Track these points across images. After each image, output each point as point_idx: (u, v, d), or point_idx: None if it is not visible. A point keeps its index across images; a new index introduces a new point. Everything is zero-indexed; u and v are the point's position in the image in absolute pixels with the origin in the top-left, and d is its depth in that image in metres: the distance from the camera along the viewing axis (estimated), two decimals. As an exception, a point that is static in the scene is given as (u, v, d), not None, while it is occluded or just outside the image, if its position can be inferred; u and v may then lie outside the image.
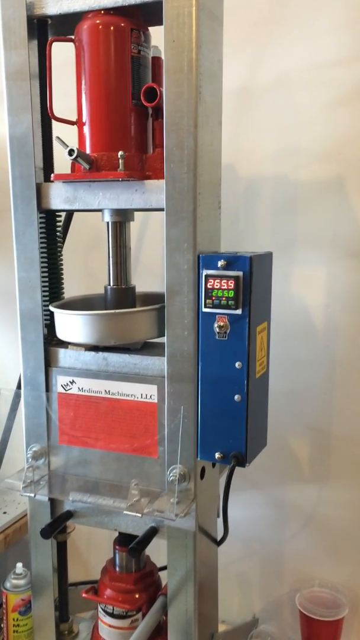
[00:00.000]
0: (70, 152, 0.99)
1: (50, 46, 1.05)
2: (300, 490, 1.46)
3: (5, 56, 1.07)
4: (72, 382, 1.14)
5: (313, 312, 1.40)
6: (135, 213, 1.18)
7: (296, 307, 1.40)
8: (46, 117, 1.11)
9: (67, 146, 0.99)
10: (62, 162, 1.11)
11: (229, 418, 1.01)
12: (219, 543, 1.18)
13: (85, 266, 1.60)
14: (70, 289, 1.24)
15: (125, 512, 1.01)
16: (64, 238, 1.36)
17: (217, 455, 1.03)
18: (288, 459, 1.46)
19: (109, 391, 1.11)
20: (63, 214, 1.33)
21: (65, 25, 1.08)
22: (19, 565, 1.41)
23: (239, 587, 1.56)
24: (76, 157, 0.99)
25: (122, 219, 1.12)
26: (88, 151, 1.06)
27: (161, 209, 1.01)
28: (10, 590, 1.39)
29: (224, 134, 1.39)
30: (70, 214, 1.36)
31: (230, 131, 1.39)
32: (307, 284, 1.39)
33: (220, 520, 1.12)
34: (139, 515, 1.00)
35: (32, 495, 1.10)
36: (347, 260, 1.35)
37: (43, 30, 1.09)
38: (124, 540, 1.22)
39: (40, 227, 1.14)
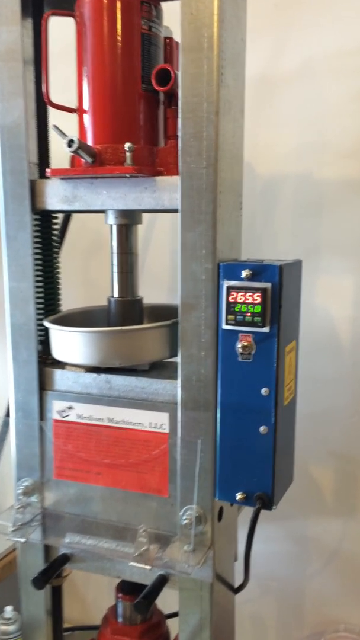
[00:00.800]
0: (70, 142, 0.84)
1: (47, 21, 0.91)
2: (323, 523, 1.32)
3: (-5, 34, 0.93)
4: (70, 408, 0.99)
5: (339, 326, 1.26)
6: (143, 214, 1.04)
7: (320, 320, 1.26)
8: (42, 105, 0.98)
9: (67, 136, 0.85)
10: (60, 157, 0.97)
11: (253, 453, 0.87)
12: (236, 590, 1.04)
13: (85, 275, 1.46)
14: (68, 300, 1.10)
15: (131, 563, 0.87)
16: (61, 243, 1.22)
17: (238, 495, 0.89)
18: (310, 489, 1.32)
19: (112, 419, 0.96)
20: (60, 216, 1.19)
21: (64, 1, 0.94)
22: (8, 609, 1.26)
23: (253, 630, 1.42)
24: (77, 148, 0.84)
25: (128, 221, 0.98)
26: (90, 143, 0.92)
27: (175, 210, 0.87)
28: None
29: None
30: (68, 215, 1.22)
31: (248, 125, 1.25)
32: (333, 294, 1.25)
33: (237, 563, 0.98)
34: (148, 568, 0.86)
35: (23, 540, 0.96)
36: (377, 268, 1.22)
37: (39, 6, 0.96)
38: (127, 587, 1.07)
39: (35, 231, 1.00)
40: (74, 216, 1.16)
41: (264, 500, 0.87)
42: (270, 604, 1.39)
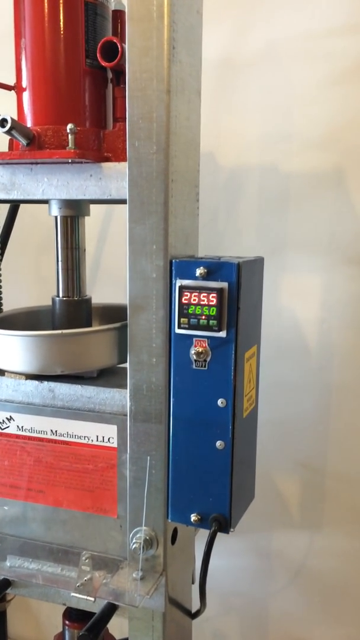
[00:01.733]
0: (3, 122, 0.75)
1: (-21, -14, 0.81)
2: (288, 537, 1.24)
3: None
4: (10, 419, 0.89)
5: (306, 328, 1.18)
6: (96, 205, 0.95)
7: (286, 322, 1.19)
8: (-21, 83, 0.87)
9: (-1, 115, 0.75)
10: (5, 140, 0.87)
11: (208, 470, 0.79)
12: (194, 616, 0.96)
13: (38, 272, 1.36)
14: (19, 299, 1.00)
15: (72, 594, 0.78)
16: (7, 237, 1.12)
17: (193, 517, 0.80)
18: (275, 501, 1.24)
19: (55, 431, 0.87)
20: (4, 207, 1.09)
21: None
22: None
23: (215, 649, 1.34)
24: (10, 128, 0.75)
25: (74, 212, 0.88)
26: (29, 124, 0.82)
27: (123, 201, 0.78)
28: None
29: (201, 114, 1.17)
30: (15, 206, 1.12)
31: (209, 112, 1.17)
32: (299, 294, 1.18)
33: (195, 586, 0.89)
34: (91, 599, 0.77)
35: None
36: (347, 267, 1.14)
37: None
38: (75, 613, 0.98)
39: (-28, 223, 0.90)
40: (25, 207, 1.06)
41: (221, 522, 0.79)
42: (233, 622, 1.32)
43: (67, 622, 0.99)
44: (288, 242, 1.16)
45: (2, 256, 1.11)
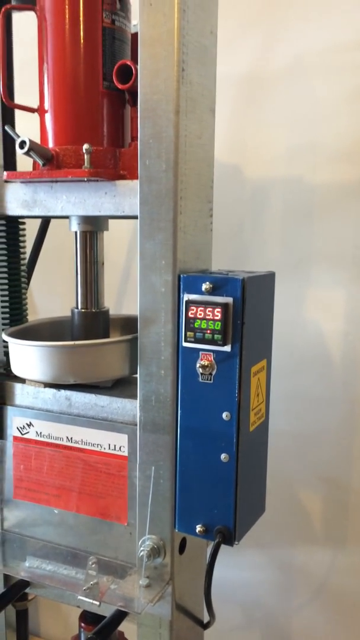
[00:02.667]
0: (22, 144, 0.79)
1: (5, 16, 0.85)
2: (310, 553, 1.23)
3: None
4: (30, 425, 0.93)
5: (330, 341, 1.17)
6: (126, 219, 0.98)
7: (310, 335, 1.18)
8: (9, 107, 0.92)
9: (19, 137, 0.80)
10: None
11: (213, 482, 0.80)
12: (205, 626, 0.96)
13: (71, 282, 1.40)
14: (53, 308, 1.04)
15: (79, 597, 0.80)
16: (37, 250, 1.17)
17: (198, 528, 0.82)
18: (297, 515, 1.23)
19: (71, 438, 0.90)
20: (36, 222, 1.14)
21: (32, -5, 0.89)
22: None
23: (237, 661, 1.34)
24: (28, 150, 0.79)
25: (92, 228, 0.92)
26: (51, 145, 0.86)
27: (135, 217, 0.80)
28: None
29: (227, 129, 1.19)
30: (46, 221, 1.17)
31: (236, 126, 1.19)
32: (324, 307, 1.17)
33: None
34: (96, 603, 0.79)
35: (-28, 564, 0.90)
36: (372, 280, 1.13)
37: (6, 2, 0.91)
38: (90, 616, 1.01)
39: (0, 237, 0.95)
40: (61, 222, 1.10)
41: (225, 534, 0.80)
42: (255, 635, 1.31)
43: (82, 624, 1.02)
44: (312, 255, 1.16)
45: (33, 269, 1.16)
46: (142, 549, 0.84)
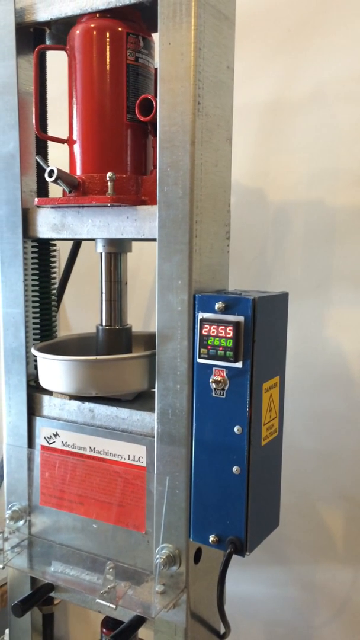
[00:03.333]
0: (50, 173, 0.85)
1: (38, 56, 0.93)
2: (333, 571, 1.24)
3: (-7, 69, 0.96)
4: (56, 435, 0.99)
5: (351, 360, 1.19)
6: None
7: (330, 354, 1.20)
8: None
9: (48, 166, 0.86)
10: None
11: (226, 494, 0.83)
12: (222, 637, 0.99)
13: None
14: (85, 324, 1.10)
15: (97, 600, 0.84)
16: (69, 270, 1.23)
17: (211, 538, 0.85)
18: (319, 533, 1.24)
19: (94, 448, 0.95)
20: (68, 244, 1.21)
21: (65, 33, 0.96)
22: (7, 631, 1.26)
23: None
24: (56, 178, 0.85)
25: (116, 250, 0.97)
26: (78, 173, 0.93)
27: (154, 239, 0.85)
28: (-4, 661, 1.24)
29: (251, 155, 1.23)
30: (77, 243, 1.23)
31: (260, 151, 1.24)
32: (345, 327, 1.19)
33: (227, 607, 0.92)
34: (113, 607, 0.83)
35: (0, 566, 0.95)
36: (393, 301, 1.14)
37: (41, 39, 0.98)
38: (112, 622, 1.04)
39: (32, 258, 1.02)
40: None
41: (236, 545, 0.83)
42: (277, 652, 1.32)
43: (104, 629, 1.06)
44: (333, 276, 1.18)
45: (64, 288, 1.22)
46: (158, 557, 0.87)
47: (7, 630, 1.27)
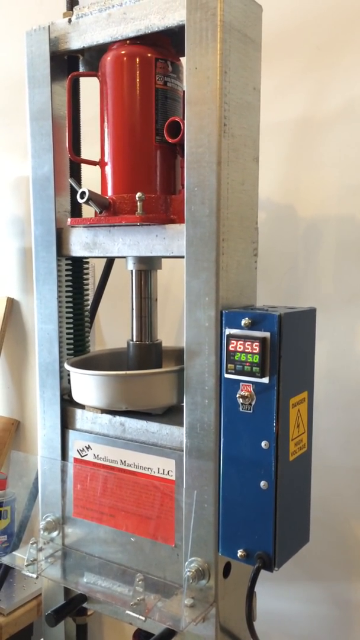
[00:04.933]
0: (82, 194, 0.89)
1: (71, 82, 0.97)
2: (367, 589, 1.22)
3: (29, 95, 1.00)
4: (88, 448, 1.01)
5: (384, 376, 1.18)
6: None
7: (363, 369, 1.19)
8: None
9: (80, 188, 0.90)
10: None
11: (254, 508, 0.84)
12: (252, 653, 0.98)
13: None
14: (118, 339, 1.12)
15: (127, 612, 0.86)
16: (103, 286, 1.27)
17: (239, 552, 0.85)
18: (354, 551, 1.23)
19: (124, 462, 0.97)
20: (100, 262, 1.25)
21: (97, 59, 1.00)
22: (42, 641, 1.28)
23: None
24: (87, 199, 0.89)
25: (146, 267, 1.00)
26: (110, 193, 0.96)
27: (182, 257, 0.87)
28: (31, 670, 1.27)
29: (282, 171, 1.25)
30: (110, 260, 1.27)
31: (290, 168, 1.25)
32: (377, 342, 1.18)
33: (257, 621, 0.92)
34: (142, 619, 0.84)
35: (34, 576, 0.98)
36: None
37: (74, 66, 1.03)
38: (144, 634, 1.06)
39: (66, 275, 1.05)
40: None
41: (265, 560, 0.83)
42: (312, 671, 1.30)
43: (135, 641, 1.07)
44: (365, 291, 1.18)
45: (98, 304, 1.26)
46: (187, 570, 0.88)
47: (42, 640, 1.29)
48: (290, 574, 1.28)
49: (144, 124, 0.92)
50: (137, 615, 0.85)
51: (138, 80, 0.91)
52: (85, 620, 1.14)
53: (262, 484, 0.82)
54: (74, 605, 1.04)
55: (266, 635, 0.89)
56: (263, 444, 0.82)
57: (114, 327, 1.53)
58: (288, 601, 1.30)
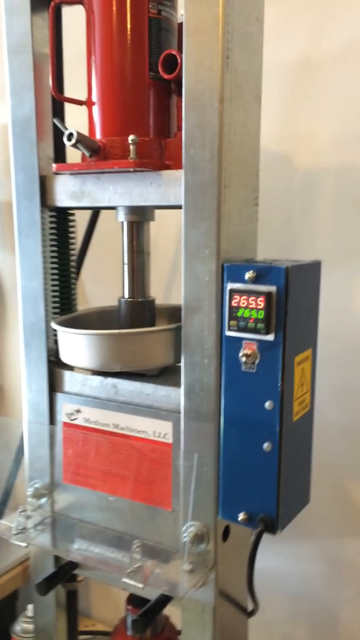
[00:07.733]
0: (70, 136, 0.81)
1: (54, 10, 0.87)
2: (360, 547, 1.21)
3: (7, 26, 0.91)
4: (78, 412, 0.96)
5: (382, 333, 1.15)
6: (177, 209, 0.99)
7: (360, 327, 1.15)
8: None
9: (67, 129, 0.82)
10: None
11: (256, 471, 0.80)
12: (249, 614, 0.97)
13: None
14: (104, 297, 1.06)
15: (123, 579, 0.82)
16: (88, 241, 1.19)
17: (241, 516, 0.82)
18: (347, 508, 1.21)
19: (117, 425, 0.92)
20: (86, 213, 1.17)
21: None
22: (30, 607, 1.26)
23: (284, 652, 1.33)
24: (76, 142, 0.81)
25: (138, 218, 0.93)
26: (98, 136, 0.88)
27: (180, 206, 0.81)
28: (20, 636, 1.24)
29: (277, 117, 1.17)
30: (96, 212, 1.19)
31: (286, 114, 1.17)
32: (375, 298, 1.14)
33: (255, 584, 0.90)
34: (140, 586, 0.81)
35: (24, 544, 0.93)
36: None
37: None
38: (136, 599, 1.03)
39: (51, 228, 0.98)
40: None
41: (267, 523, 0.80)
42: (303, 627, 1.30)
43: (128, 607, 1.04)
44: (364, 245, 1.13)
45: (83, 259, 1.19)
46: (185, 535, 0.85)
47: (30, 606, 1.27)
48: (283, 533, 1.26)
49: (136, 58, 0.84)
50: (135, 583, 0.81)
51: (129, 7, 0.82)
52: (75, 586, 1.11)
53: (266, 445, 0.79)
54: (65, 573, 1.01)
55: (257, 594, 0.86)
56: (267, 404, 0.78)
57: (97, 286, 1.46)
58: (280, 559, 1.29)
